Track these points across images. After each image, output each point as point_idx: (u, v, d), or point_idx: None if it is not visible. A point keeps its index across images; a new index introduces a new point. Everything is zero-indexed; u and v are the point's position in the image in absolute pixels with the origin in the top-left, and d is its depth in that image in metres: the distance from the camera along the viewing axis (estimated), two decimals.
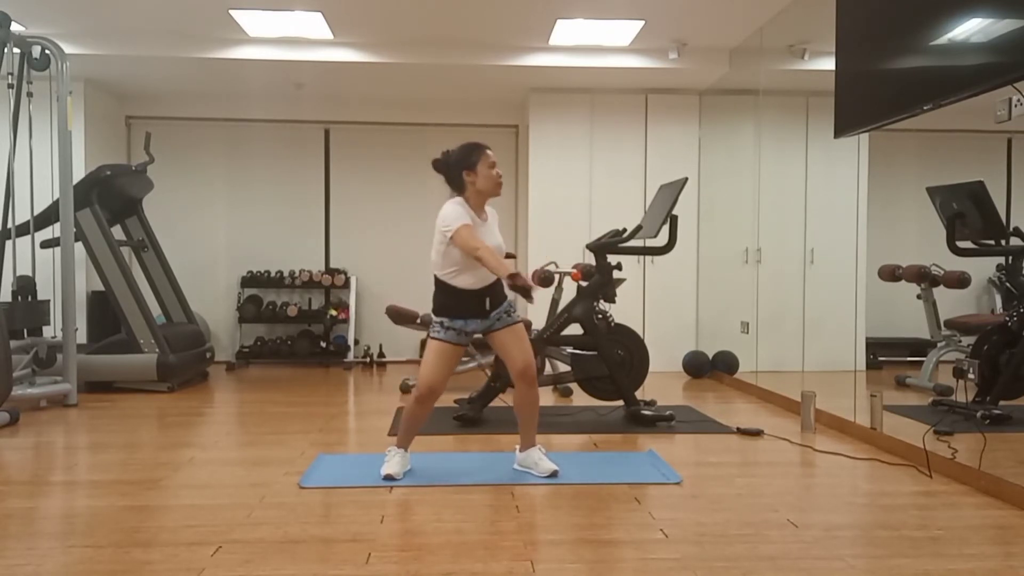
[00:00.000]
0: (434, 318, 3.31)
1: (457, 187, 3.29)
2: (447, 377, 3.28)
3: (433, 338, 3.28)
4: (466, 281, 3.23)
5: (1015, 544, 2.58)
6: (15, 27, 5.41)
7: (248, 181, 7.52)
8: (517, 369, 3.32)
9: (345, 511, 2.89)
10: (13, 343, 4.87)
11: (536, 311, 6.64)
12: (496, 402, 4.65)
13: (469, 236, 3.09)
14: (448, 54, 6.11)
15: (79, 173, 5.95)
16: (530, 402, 3.38)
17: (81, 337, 6.51)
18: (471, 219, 3.19)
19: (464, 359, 5.98)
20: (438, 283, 3.29)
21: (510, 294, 3.32)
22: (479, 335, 3.37)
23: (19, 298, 5.15)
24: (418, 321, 5.73)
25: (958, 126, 4.80)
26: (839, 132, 3.65)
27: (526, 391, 3.35)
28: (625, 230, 4.74)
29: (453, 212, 3.17)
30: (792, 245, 5.80)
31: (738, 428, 4.39)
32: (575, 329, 4.68)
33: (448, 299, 3.27)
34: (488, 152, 3.27)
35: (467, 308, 3.26)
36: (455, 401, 4.99)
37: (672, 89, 6.90)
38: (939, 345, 4.99)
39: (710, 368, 6.61)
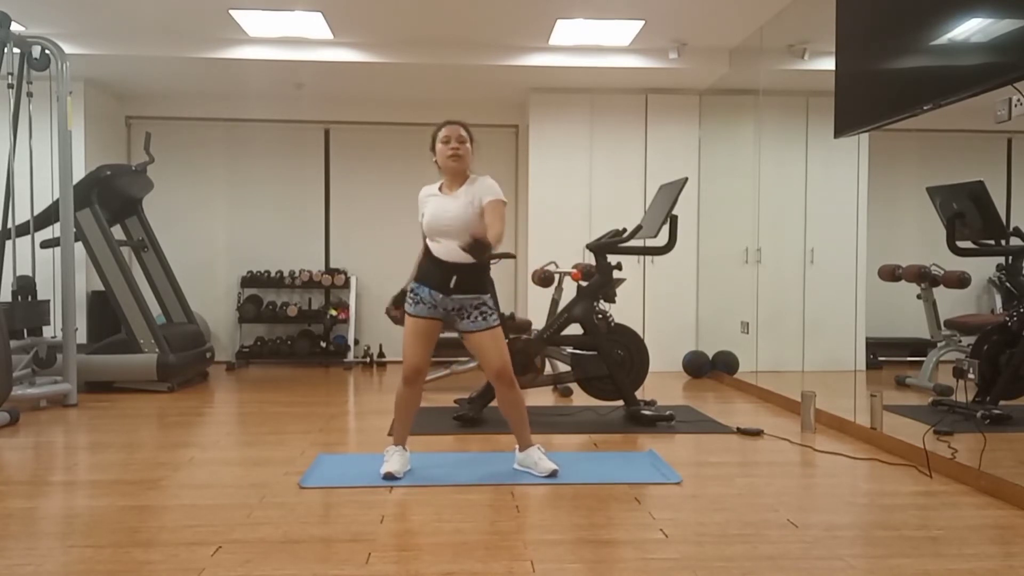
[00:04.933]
0: (410, 284, 3.39)
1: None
2: (429, 354, 3.35)
3: (408, 314, 3.35)
4: (435, 248, 3.32)
5: (1015, 544, 2.58)
6: (15, 27, 5.41)
7: (248, 181, 7.52)
8: (494, 371, 3.32)
9: (345, 511, 2.89)
10: (13, 343, 4.87)
11: (536, 311, 6.64)
12: (496, 402, 4.65)
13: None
14: (448, 54, 6.11)
15: (79, 173, 5.96)
16: (513, 403, 3.38)
17: (81, 337, 6.51)
18: (425, 201, 3.39)
19: (464, 359, 5.98)
20: (424, 247, 3.41)
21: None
22: (456, 328, 3.38)
23: (19, 298, 5.15)
24: None
25: (958, 126, 4.80)
26: (839, 132, 3.65)
27: (506, 392, 3.36)
28: (625, 230, 4.74)
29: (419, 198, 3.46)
30: (792, 245, 5.80)
31: (738, 428, 4.39)
32: (575, 329, 4.68)
33: (424, 262, 3.37)
34: (443, 128, 3.40)
35: (433, 276, 3.30)
36: (455, 401, 4.99)
37: (672, 89, 6.90)
38: (939, 345, 4.99)
39: (710, 368, 6.60)
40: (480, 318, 3.31)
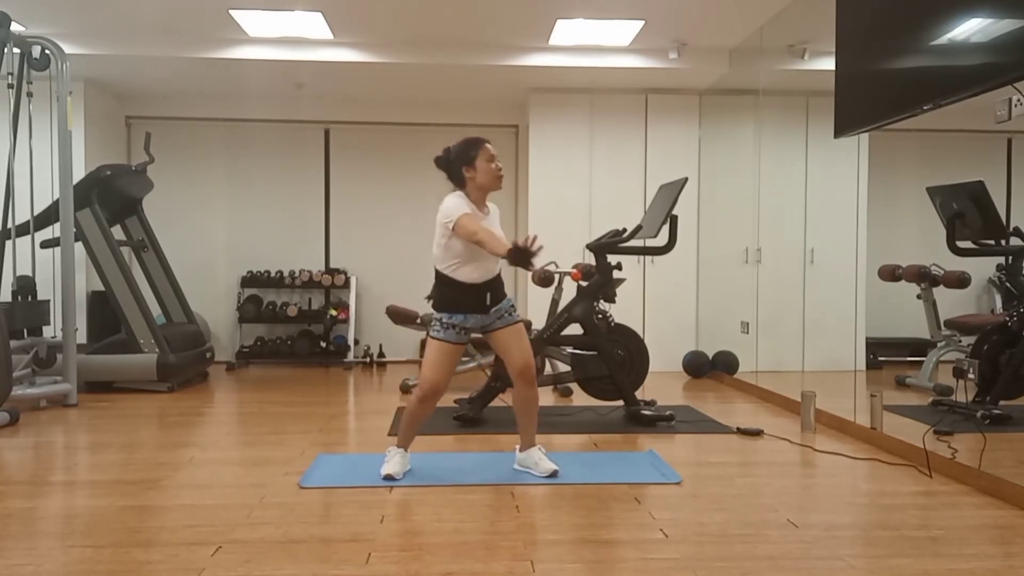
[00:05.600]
0: (434, 315, 3.31)
1: (458, 183, 3.31)
2: (450, 376, 3.30)
3: (433, 337, 3.27)
4: (467, 274, 3.23)
5: (1015, 544, 2.58)
6: (15, 27, 5.41)
7: (248, 181, 7.52)
8: (516, 368, 3.32)
9: (345, 511, 2.89)
10: (13, 343, 4.87)
11: (536, 311, 6.64)
12: (496, 402, 4.65)
13: (469, 223, 3.10)
14: (448, 54, 6.11)
15: (79, 173, 5.95)
16: (529, 402, 3.38)
17: (81, 337, 6.51)
18: (471, 211, 3.20)
19: (464, 359, 5.97)
20: (439, 277, 3.28)
21: (511, 292, 3.37)
22: (478, 335, 3.37)
23: (19, 298, 5.15)
24: (418, 321, 5.73)
25: (958, 126, 4.80)
26: (839, 132, 3.65)
27: (525, 390, 3.36)
28: (625, 230, 4.74)
29: (453, 204, 3.18)
30: (792, 245, 5.80)
31: (738, 428, 4.39)
32: (575, 329, 4.68)
33: (449, 292, 3.25)
34: (487, 146, 3.27)
35: (467, 302, 3.25)
36: (455, 401, 4.99)
37: (672, 89, 6.90)
38: (939, 345, 4.99)
39: (710, 368, 6.60)
40: (507, 315, 3.33)
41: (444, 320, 3.26)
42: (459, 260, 3.21)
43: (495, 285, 3.30)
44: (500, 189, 3.31)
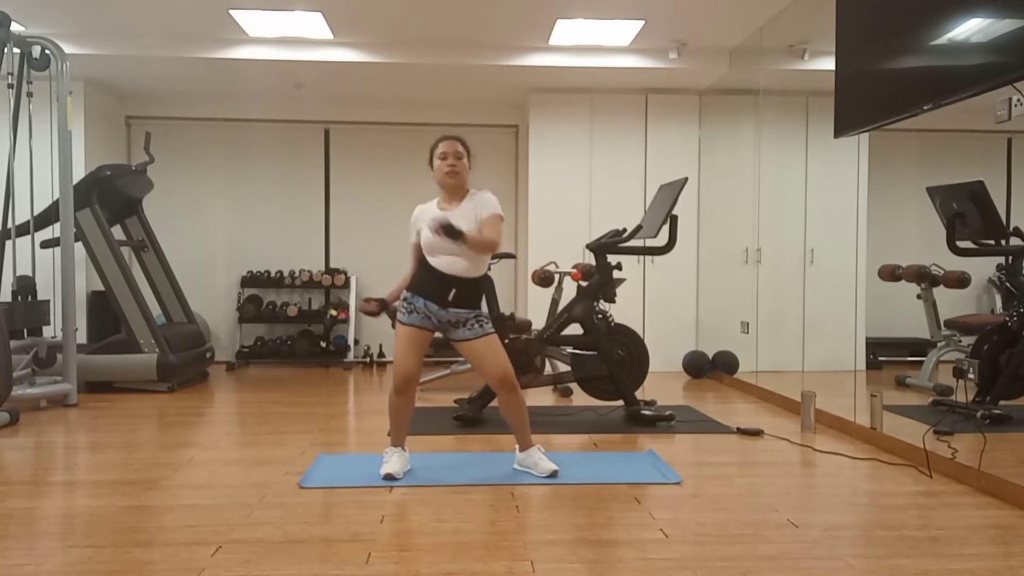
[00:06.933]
0: (404, 294, 3.36)
1: None
2: (420, 362, 3.31)
3: (400, 323, 3.31)
4: (435, 261, 3.29)
5: (1015, 544, 2.58)
6: (15, 27, 5.41)
7: (248, 181, 7.52)
8: (496, 378, 3.30)
9: (345, 511, 2.89)
10: (13, 343, 4.87)
11: (536, 311, 6.64)
12: (496, 402, 4.64)
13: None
14: (448, 54, 6.11)
15: (79, 173, 5.95)
16: (516, 407, 3.37)
17: (81, 337, 6.51)
18: (420, 220, 3.35)
19: (463, 359, 5.97)
20: (419, 260, 3.37)
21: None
22: (450, 338, 3.36)
23: (19, 298, 5.15)
24: None
25: (958, 126, 4.80)
26: (839, 132, 3.65)
27: (508, 398, 3.34)
28: (625, 230, 4.74)
29: (413, 215, 3.43)
30: (792, 245, 5.80)
31: (738, 428, 4.39)
32: (575, 329, 4.68)
33: (421, 273, 3.33)
34: (440, 144, 3.36)
35: (429, 288, 3.28)
36: (455, 401, 4.99)
37: (672, 89, 6.90)
38: (939, 345, 4.99)
39: (710, 368, 6.60)
40: (476, 326, 3.30)
41: (407, 299, 3.31)
42: (427, 254, 3.30)
43: (461, 285, 3.27)
44: (451, 185, 3.33)
